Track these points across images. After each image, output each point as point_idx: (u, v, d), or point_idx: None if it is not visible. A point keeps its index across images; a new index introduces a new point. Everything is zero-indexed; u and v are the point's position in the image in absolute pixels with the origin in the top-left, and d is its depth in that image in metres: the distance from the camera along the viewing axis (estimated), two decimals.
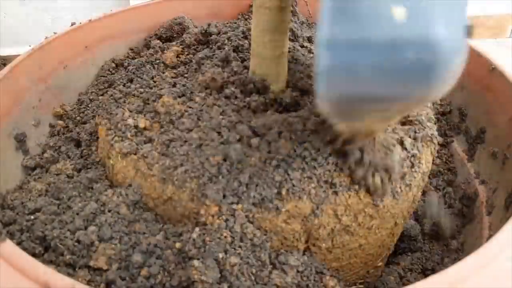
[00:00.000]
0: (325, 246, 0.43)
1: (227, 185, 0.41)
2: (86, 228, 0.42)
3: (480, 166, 0.62)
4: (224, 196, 0.41)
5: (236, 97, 0.49)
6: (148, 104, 0.51)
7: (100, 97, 0.66)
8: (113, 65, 0.73)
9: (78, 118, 0.64)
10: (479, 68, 0.63)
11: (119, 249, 0.40)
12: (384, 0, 0.25)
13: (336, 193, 0.42)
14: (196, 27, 0.77)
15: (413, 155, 0.46)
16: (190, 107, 0.49)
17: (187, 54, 0.63)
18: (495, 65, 0.60)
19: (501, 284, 0.34)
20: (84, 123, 0.63)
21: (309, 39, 0.64)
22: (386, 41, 0.25)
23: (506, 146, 0.56)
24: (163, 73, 0.59)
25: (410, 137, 0.47)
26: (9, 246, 0.36)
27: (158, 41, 0.74)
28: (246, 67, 0.52)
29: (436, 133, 0.50)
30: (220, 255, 0.37)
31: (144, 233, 0.42)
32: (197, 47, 0.65)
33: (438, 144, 0.61)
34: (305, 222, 0.41)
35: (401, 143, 0.46)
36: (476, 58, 0.63)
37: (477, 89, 0.63)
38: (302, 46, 0.61)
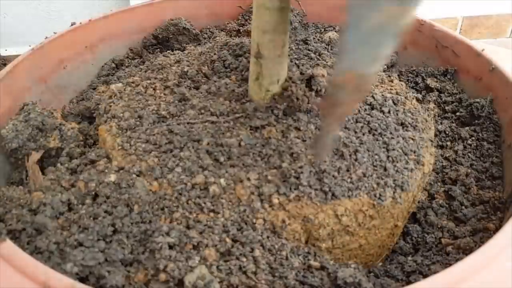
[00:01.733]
0: (325, 246, 0.43)
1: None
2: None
3: None
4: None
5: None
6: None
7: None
8: (113, 65, 0.74)
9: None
10: (479, 68, 0.63)
11: None
12: None
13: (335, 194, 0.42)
14: (194, 29, 0.77)
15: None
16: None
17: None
18: (495, 65, 0.60)
19: (501, 284, 0.34)
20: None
21: (305, 41, 0.64)
22: None
23: (506, 146, 0.56)
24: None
25: (411, 139, 0.47)
26: (9, 246, 0.36)
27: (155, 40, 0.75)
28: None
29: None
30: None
31: None
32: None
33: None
34: (305, 222, 0.41)
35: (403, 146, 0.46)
36: (476, 58, 0.63)
37: (477, 89, 0.63)
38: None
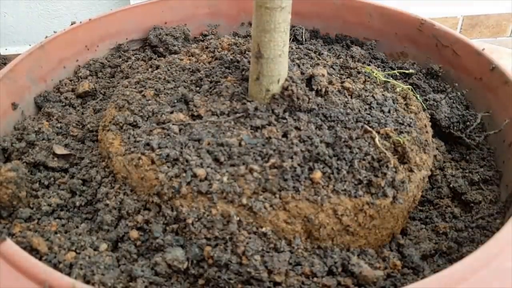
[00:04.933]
0: (325, 246, 0.43)
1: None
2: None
3: None
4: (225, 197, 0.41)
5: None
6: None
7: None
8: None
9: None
10: (480, 68, 0.63)
11: None
12: None
13: (337, 193, 0.42)
14: None
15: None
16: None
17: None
18: (495, 64, 0.60)
19: (501, 284, 0.34)
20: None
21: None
22: None
23: (506, 146, 0.56)
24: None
25: (411, 142, 0.47)
26: (9, 246, 0.36)
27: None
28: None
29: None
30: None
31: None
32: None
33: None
34: (305, 222, 0.41)
35: (404, 148, 0.46)
36: (476, 58, 0.63)
37: (477, 89, 0.63)
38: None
